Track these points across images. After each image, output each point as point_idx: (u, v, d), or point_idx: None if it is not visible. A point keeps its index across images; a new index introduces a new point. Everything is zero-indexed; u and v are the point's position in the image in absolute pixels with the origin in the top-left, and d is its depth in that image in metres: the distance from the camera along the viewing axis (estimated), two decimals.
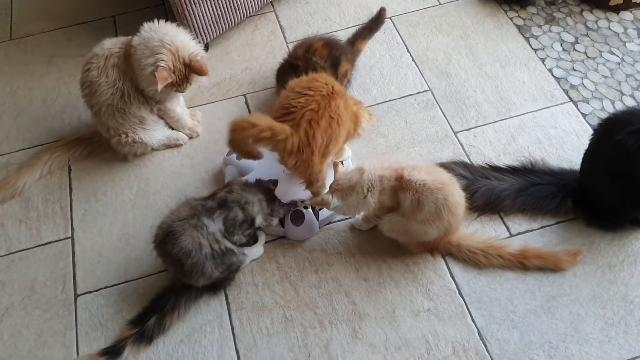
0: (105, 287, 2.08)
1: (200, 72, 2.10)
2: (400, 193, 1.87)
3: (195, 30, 2.55)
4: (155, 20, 2.12)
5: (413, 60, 2.66)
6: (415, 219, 1.89)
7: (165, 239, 1.87)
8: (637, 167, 1.86)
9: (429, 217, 1.86)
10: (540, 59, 2.62)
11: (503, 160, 2.27)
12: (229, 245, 1.94)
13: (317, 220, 2.14)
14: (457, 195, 1.88)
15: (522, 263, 1.99)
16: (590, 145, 2.05)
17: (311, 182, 1.97)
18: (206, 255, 1.87)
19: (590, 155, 2.05)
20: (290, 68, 2.36)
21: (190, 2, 2.46)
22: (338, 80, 2.36)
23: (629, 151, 1.84)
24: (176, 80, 2.08)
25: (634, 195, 1.94)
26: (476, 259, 2.01)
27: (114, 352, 1.90)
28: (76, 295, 2.07)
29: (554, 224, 2.11)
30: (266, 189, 2.04)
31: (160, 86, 2.02)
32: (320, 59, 2.34)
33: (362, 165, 1.93)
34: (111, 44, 2.16)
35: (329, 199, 1.92)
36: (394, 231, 2.00)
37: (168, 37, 2.05)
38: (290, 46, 2.70)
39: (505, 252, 1.99)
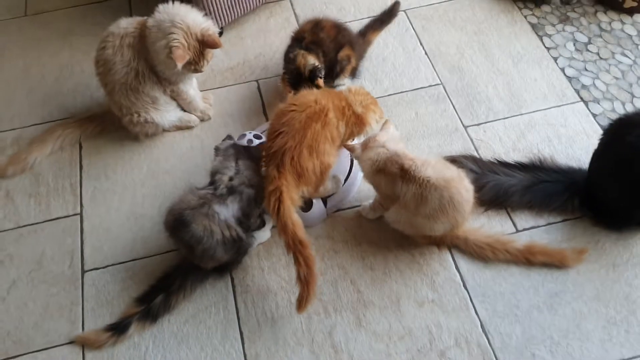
0: (113, 265, 2.10)
1: (214, 45, 2.11)
2: (401, 183, 1.88)
3: (210, 14, 2.55)
4: (170, 2, 2.13)
5: (426, 53, 2.67)
6: (419, 214, 1.91)
7: (177, 226, 1.89)
8: None
9: (433, 213, 1.88)
10: (552, 57, 2.63)
11: (512, 157, 2.28)
12: (241, 233, 1.94)
13: (325, 207, 2.15)
14: (464, 192, 1.89)
15: (528, 259, 2.00)
16: (600, 145, 2.06)
17: (317, 190, 2.03)
18: (217, 241, 1.88)
19: (599, 156, 2.06)
20: (296, 41, 2.38)
21: None
22: (338, 64, 2.39)
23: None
24: (193, 57, 2.09)
25: None
26: (483, 254, 2.02)
27: (119, 328, 1.92)
28: (83, 272, 2.09)
29: (560, 222, 2.12)
30: (256, 156, 2.02)
31: (179, 65, 2.03)
32: (326, 36, 2.36)
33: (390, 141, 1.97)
34: (127, 24, 2.17)
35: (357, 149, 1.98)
36: (399, 223, 2.02)
37: (179, 17, 2.06)
38: None
39: (512, 247, 2.01)
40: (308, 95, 1.99)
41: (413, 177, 1.85)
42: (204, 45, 2.09)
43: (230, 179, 1.93)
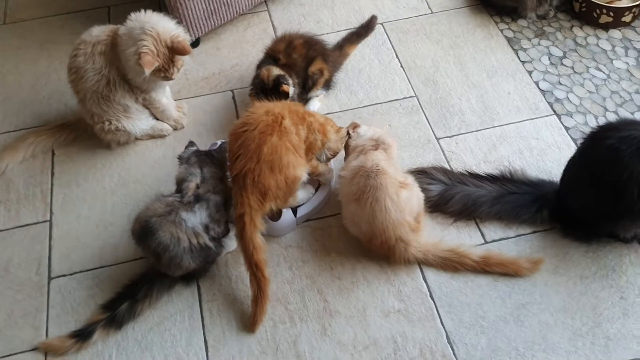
0: (80, 272, 2.09)
1: (183, 52, 2.11)
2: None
3: (187, 24, 2.57)
4: (142, 11, 2.14)
5: (401, 66, 2.68)
6: (343, 185, 2.02)
7: (144, 234, 1.88)
8: (625, 173, 1.83)
9: (350, 195, 1.97)
10: (527, 71, 2.64)
11: (483, 169, 2.28)
12: (208, 242, 1.94)
13: (295, 217, 2.15)
14: (397, 191, 1.93)
15: (485, 270, 2.01)
16: (577, 151, 2.05)
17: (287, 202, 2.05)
18: (184, 249, 1.88)
19: (576, 162, 2.03)
20: (271, 59, 2.39)
21: None
22: (310, 79, 2.42)
23: (620, 156, 1.82)
24: (162, 64, 2.09)
25: (613, 206, 1.93)
26: (441, 266, 2.03)
27: (83, 335, 1.90)
28: (50, 278, 2.07)
29: (529, 233, 2.12)
30: (221, 160, 2.05)
31: (147, 71, 2.03)
32: (298, 57, 2.39)
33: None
34: (99, 32, 2.18)
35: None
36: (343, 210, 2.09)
37: (149, 24, 2.07)
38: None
39: (469, 259, 2.01)
40: (259, 108, 1.98)
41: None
42: (174, 52, 2.10)
43: (197, 186, 1.93)
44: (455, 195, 2.12)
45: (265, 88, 2.28)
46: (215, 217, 1.96)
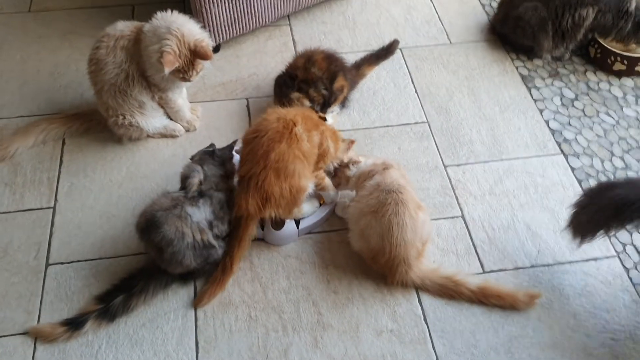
0: (78, 261, 2.09)
1: (205, 57, 2.14)
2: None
3: (210, 29, 2.60)
4: (169, 11, 2.17)
5: (416, 91, 2.71)
6: (357, 202, 2.05)
7: (148, 227, 1.89)
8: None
9: (367, 208, 1.99)
10: (539, 109, 2.68)
11: (488, 200, 2.30)
12: (212, 240, 1.96)
13: (297, 228, 2.16)
14: (415, 211, 1.96)
15: (481, 301, 2.01)
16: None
17: (291, 212, 2.08)
18: (187, 245, 1.89)
19: None
20: (289, 78, 2.43)
21: (209, 0, 2.52)
22: (333, 95, 2.43)
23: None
24: (182, 65, 2.12)
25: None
26: (438, 293, 2.03)
27: (75, 324, 1.91)
28: (47, 264, 2.08)
29: (528, 267, 2.13)
30: (222, 159, 2.10)
31: (167, 70, 2.06)
32: (318, 71, 2.41)
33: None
34: (124, 26, 2.21)
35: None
36: (351, 218, 2.10)
37: (175, 25, 2.10)
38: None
39: (466, 288, 2.01)
40: (272, 115, 2.02)
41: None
42: (195, 55, 2.13)
43: (200, 182, 1.97)
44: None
45: None
46: (219, 215, 1.98)
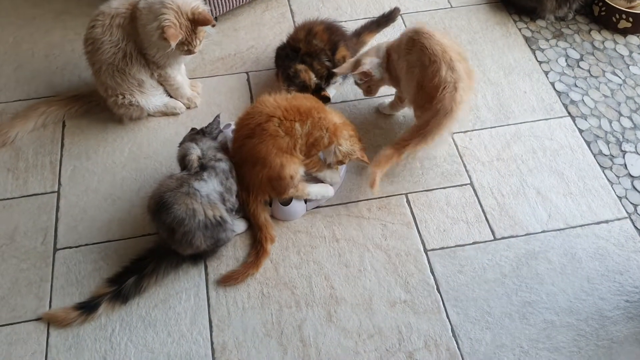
0: (86, 245, 2.07)
1: (205, 22, 2.10)
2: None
3: (206, 2, 2.53)
4: None
5: None
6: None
7: (159, 209, 1.87)
8: None
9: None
10: (544, 71, 2.63)
11: (496, 166, 2.28)
12: (225, 214, 1.94)
13: (305, 202, 2.13)
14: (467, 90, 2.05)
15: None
16: None
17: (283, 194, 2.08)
18: (199, 223, 1.87)
19: None
20: (292, 50, 2.39)
21: None
22: (336, 65, 2.40)
23: None
24: (185, 37, 2.08)
25: None
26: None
27: (89, 307, 1.90)
28: (55, 249, 2.06)
29: (540, 232, 2.12)
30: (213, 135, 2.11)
31: (173, 44, 2.02)
32: (320, 42, 2.39)
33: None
34: (118, 4, 2.16)
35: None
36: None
37: None
38: None
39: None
40: (256, 107, 2.05)
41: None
42: (196, 23, 2.08)
43: (199, 157, 1.96)
44: None
45: (306, 87, 2.34)
46: (227, 185, 1.97)
